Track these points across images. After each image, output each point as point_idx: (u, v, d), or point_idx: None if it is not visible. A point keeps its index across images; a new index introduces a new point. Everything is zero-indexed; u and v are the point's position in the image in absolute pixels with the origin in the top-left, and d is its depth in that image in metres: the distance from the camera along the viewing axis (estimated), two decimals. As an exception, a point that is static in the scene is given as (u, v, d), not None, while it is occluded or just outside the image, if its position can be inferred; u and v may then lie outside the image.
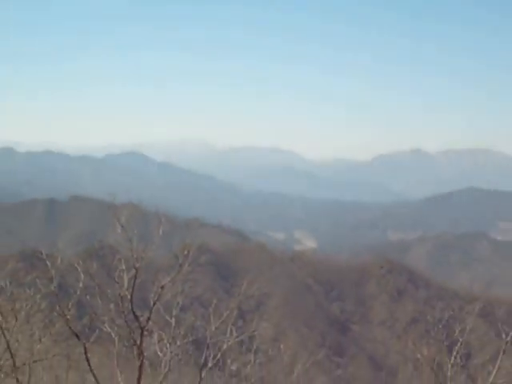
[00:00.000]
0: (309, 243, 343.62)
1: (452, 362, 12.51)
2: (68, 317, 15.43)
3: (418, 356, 13.24)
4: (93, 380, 17.46)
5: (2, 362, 15.23)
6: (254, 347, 15.99)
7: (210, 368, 18.26)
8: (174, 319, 18.19)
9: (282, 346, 24.13)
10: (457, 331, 13.07)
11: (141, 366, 17.10)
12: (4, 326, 15.15)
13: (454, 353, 13.02)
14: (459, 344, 12.53)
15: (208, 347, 18.09)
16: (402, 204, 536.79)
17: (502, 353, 12.59)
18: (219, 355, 18.09)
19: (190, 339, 17.91)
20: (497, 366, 12.38)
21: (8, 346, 16.47)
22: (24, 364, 14.34)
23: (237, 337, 18.67)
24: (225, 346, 18.15)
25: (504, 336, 13.08)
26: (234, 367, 16.37)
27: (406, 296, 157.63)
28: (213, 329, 18.33)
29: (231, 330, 18.45)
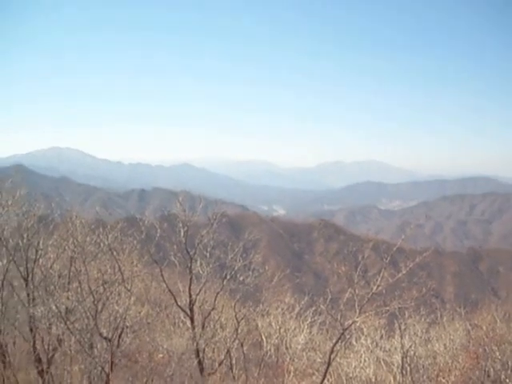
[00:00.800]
0: (281, 211, 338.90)
1: (357, 273, 11.91)
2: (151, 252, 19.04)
3: (340, 271, 12.92)
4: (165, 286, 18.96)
5: (113, 277, 17.26)
6: (252, 267, 15.62)
7: (228, 279, 19.37)
8: (208, 254, 19.20)
9: (266, 267, 23.90)
10: (360, 257, 12.65)
11: (191, 279, 18.75)
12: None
13: (358, 268, 12.02)
14: (360, 264, 11.95)
15: (227, 268, 19.46)
16: (333, 191, 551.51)
17: (383, 269, 11.97)
18: (233, 272, 19.49)
19: (217, 263, 19.54)
20: (380, 277, 11.87)
21: (119, 266, 17.45)
22: (128, 278, 13.86)
23: (243, 262, 19.65)
24: (236, 267, 19.40)
25: (385, 259, 12.41)
26: (241, 278, 19.61)
27: (334, 239, 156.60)
28: (229, 258, 19.38)
29: (240, 258, 19.41)
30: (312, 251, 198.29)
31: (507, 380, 17.40)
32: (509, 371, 17.53)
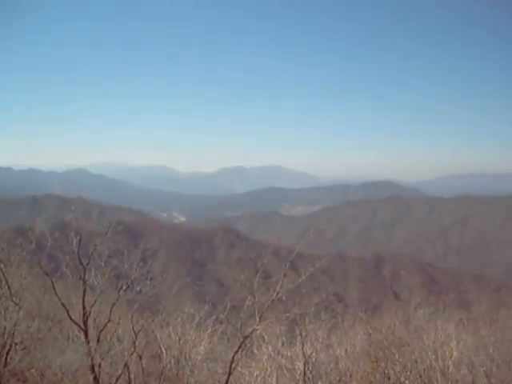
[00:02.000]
0: (181, 218, 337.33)
1: (257, 280, 12.01)
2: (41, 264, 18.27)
3: (239, 278, 13.23)
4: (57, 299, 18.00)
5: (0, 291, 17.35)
6: (150, 276, 15.53)
7: (125, 290, 18.84)
8: (103, 263, 18.40)
9: (164, 276, 23.87)
10: (259, 263, 12.99)
11: (84, 290, 17.93)
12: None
13: (258, 275, 15.57)
14: (259, 270, 13.01)
15: (123, 277, 18.90)
16: (235, 197, 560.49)
17: (283, 276, 12.03)
18: (130, 282, 18.83)
19: (113, 273, 18.85)
20: (280, 283, 12.25)
21: (6, 279, 17.26)
22: (17, 291, 13.59)
23: (140, 271, 18.99)
24: (132, 277, 18.71)
25: (284, 265, 12.51)
26: (138, 288, 19.36)
27: (236, 246, 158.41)
28: (126, 267, 18.74)
29: (137, 267, 18.72)
30: (214, 259, 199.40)
31: (407, 382, 18.35)
32: (408, 373, 18.50)
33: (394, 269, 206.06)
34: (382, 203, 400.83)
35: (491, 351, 18.00)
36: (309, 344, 19.13)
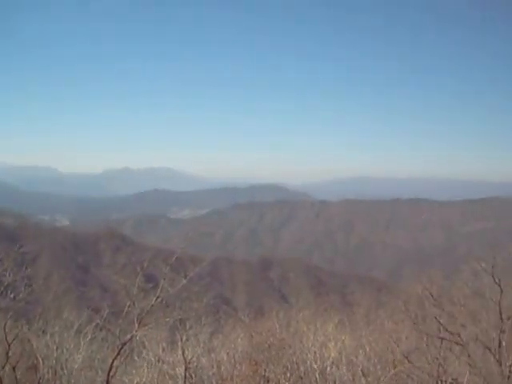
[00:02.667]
0: (64, 221, 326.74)
1: (137, 285, 12.35)
2: None
3: (121, 282, 13.21)
4: None
5: None
6: (25, 282, 15.30)
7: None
8: None
9: (41, 282, 22.75)
10: (138, 267, 12.86)
11: None
12: None
13: (137, 279, 15.46)
14: (139, 275, 12.60)
15: None
16: (121, 199, 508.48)
17: (162, 280, 12.52)
18: (3, 288, 17.48)
19: None
20: (160, 288, 12.31)
21: None
22: None
23: (13, 277, 17.65)
24: (6, 283, 17.40)
25: (164, 269, 12.87)
26: (12, 295, 18.13)
27: (122, 250, 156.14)
28: None
29: (11, 273, 17.48)
30: (99, 263, 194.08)
31: (286, 383, 18.89)
32: (288, 374, 19.03)
33: (281, 272, 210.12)
34: (270, 206, 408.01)
35: (368, 350, 18.90)
36: (190, 349, 19.16)
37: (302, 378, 18.60)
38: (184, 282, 14.82)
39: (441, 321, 18.80)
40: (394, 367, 18.56)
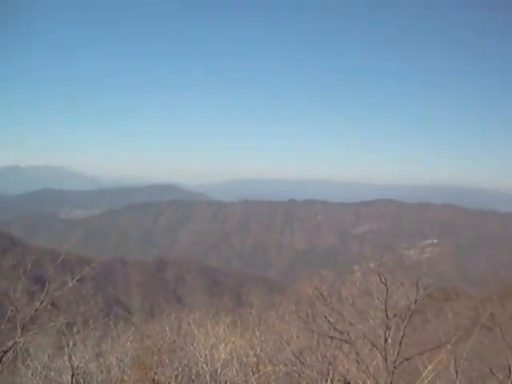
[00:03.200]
0: None
1: (20, 289, 11.89)
2: None
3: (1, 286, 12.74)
4: None
5: None
6: None
7: None
8: None
9: None
10: (22, 270, 12.53)
11: None
12: None
13: (20, 283, 13.43)
14: (22, 278, 12.25)
15: None
16: (9, 199, 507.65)
17: (47, 283, 12.14)
18: None
19: None
20: (45, 291, 11.96)
21: None
22: None
23: None
24: None
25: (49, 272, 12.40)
26: None
27: (10, 252, 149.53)
28: None
29: None
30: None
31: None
32: (179, 377, 19.02)
33: (177, 273, 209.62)
34: (165, 207, 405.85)
35: (259, 351, 19.23)
36: (78, 354, 18.65)
37: (193, 381, 18.63)
38: (70, 284, 14.39)
39: (330, 320, 19.43)
40: (285, 366, 19.02)
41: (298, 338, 21.74)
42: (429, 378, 12.27)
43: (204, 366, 18.10)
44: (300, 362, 19.30)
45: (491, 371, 20.53)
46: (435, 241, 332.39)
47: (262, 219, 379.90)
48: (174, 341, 19.74)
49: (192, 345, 19.30)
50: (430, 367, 12.72)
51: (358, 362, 19.26)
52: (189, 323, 21.07)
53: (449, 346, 15.58)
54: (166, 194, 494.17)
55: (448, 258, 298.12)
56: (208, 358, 17.94)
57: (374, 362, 18.55)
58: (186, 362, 18.89)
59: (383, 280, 19.24)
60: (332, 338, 20.00)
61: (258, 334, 20.36)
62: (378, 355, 19.03)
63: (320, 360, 19.57)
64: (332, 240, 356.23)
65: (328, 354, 19.25)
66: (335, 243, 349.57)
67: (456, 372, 16.25)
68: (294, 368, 19.05)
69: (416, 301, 18.59)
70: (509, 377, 18.32)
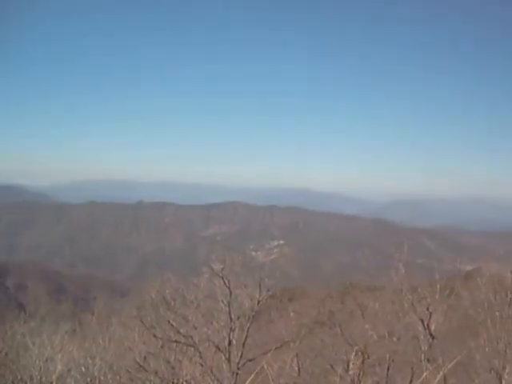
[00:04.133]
0: None
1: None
2: None
3: None
4: None
5: None
6: None
7: None
8: None
9: None
10: None
11: None
12: None
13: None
14: None
15: None
16: None
17: None
18: None
19: None
20: None
21: None
22: None
23: None
24: None
25: None
26: None
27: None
28: None
29: None
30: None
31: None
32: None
33: (18, 278, 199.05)
34: (6, 209, 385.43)
35: (98, 360, 18.61)
36: None
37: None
38: None
39: (174, 324, 19.27)
40: (128, 373, 18.56)
41: (144, 344, 21.35)
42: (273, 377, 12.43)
43: (39, 378, 17.22)
44: (143, 368, 18.97)
45: (331, 367, 21.40)
46: (281, 242, 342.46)
47: (110, 221, 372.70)
48: (6, 354, 18.64)
49: (25, 358, 18.26)
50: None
51: (202, 365, 19.29)
52: (23, 334, 19.95)
53: (292, 344, 15.98)
54: (5, 195, 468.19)
55: (293, 258, 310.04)
56: (43, 370, 17.06)
57: (219, 365, 18.66)
58: (19, 377, 17.87)
59: (226, 283, 19.40)
60: (176, 342, 19.85)
61: (99, 341, 19.74)
62: (223, 357, 19.17)
63: (164, 365, 19.37)
64: (181, 242, 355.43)
65: (172, 359, 19.08)
66: (184, 245, 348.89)
67: (298, 369, 16.71)
68: (138, 375, 18.70)
69: (259, 302, 18.90)
70: (347, 371, 19.21)
